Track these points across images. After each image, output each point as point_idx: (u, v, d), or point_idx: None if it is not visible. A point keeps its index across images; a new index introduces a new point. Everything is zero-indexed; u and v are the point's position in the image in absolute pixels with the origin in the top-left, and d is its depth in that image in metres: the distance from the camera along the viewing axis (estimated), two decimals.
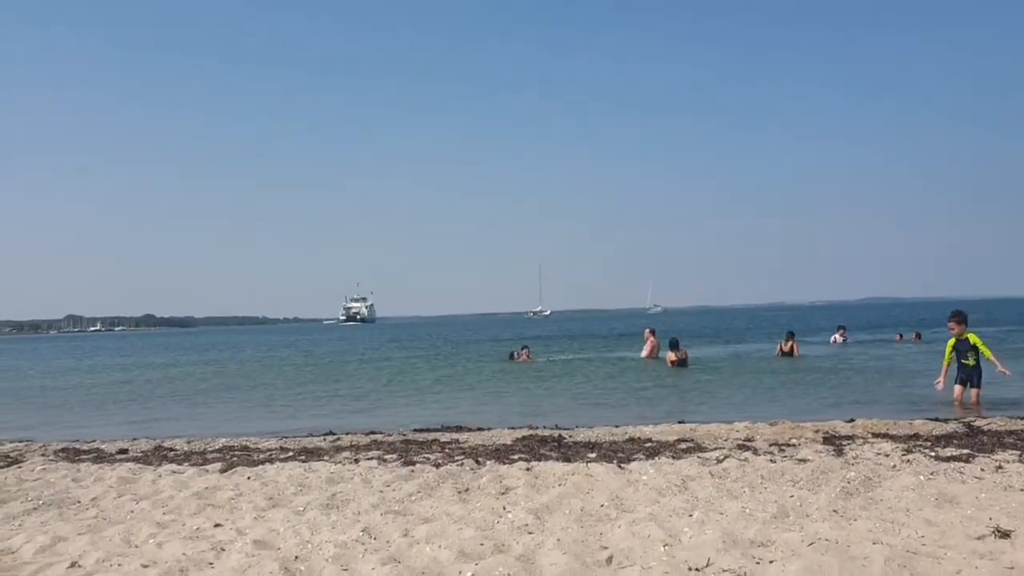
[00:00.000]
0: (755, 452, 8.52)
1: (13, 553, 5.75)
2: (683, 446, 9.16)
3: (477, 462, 8.45)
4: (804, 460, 7.90)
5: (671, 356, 25.00)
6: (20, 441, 12.50)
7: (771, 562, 4.73)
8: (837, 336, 34.84)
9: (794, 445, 8.93)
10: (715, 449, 8.79)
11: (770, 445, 8.98)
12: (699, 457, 8.29)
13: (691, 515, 5.91)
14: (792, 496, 6.42)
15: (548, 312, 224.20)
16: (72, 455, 10.44)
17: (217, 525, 6.32)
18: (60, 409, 20.44)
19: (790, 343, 27.76)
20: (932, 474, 7.02)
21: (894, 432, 9.67)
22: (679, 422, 11.63)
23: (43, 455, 10.58)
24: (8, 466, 9.61)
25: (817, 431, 9.87)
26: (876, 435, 9.44)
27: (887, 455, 8.02)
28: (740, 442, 9.30)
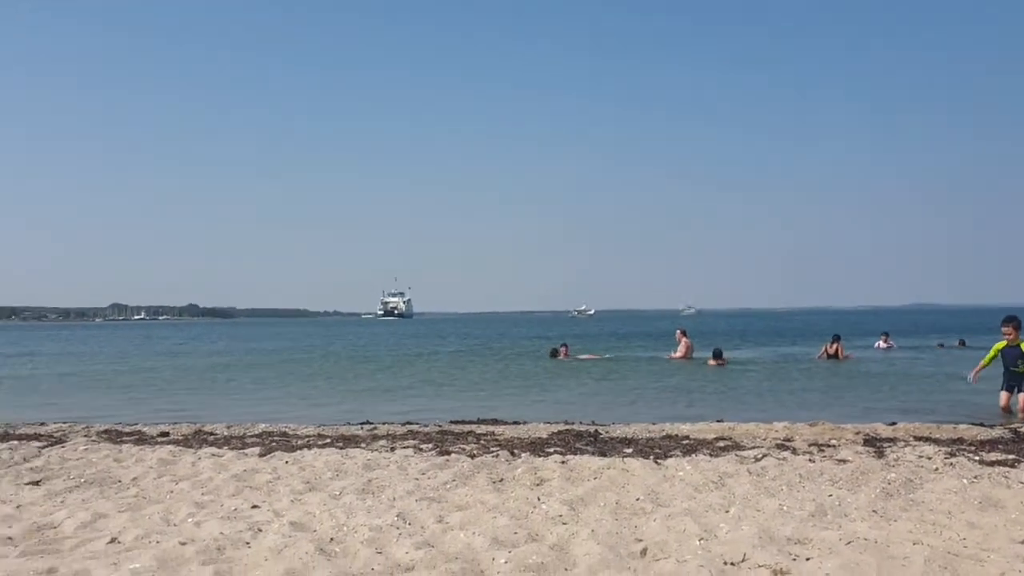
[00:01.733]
0: (794, 452, 8.42)
1: (55, 528, 5.86)
2: (721, 444, 9.08)
3: (512, 454, 8.45)
4: (844, 461, 7.79)
5: (712, 361, 25.00)
6: (64, 422, 12.74)
7: (808, 559, 4.67)
8: (880, 342, 34.31)
9: (834, 446, 8.82)
10: (753, 448, 8.71)
11: (809, 445, 8.88)
12: (737, 455, 8.21)
13: (727, 511, 5.86)
14: (831, 495, 6.33)
15: (592, 311, 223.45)
16: (114, 436, 10.63)
17: (254, 506, 6.39)
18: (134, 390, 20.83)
19: (835, 346, 27.42)
20: (975, 478, 6.88)
21: (937, 436, 9.50)
22: (717, 421, 11.53)
23: (86, 436, 10.78)
24: (52, 445, 9.80)
25: (857, 433, 9.73)
26: (918, 438, 9.28)
27: (929, 458, 7.88)
28: (779, 442, 9.20)
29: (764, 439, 9.54)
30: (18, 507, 6.56)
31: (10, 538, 5.52)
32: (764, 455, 8.16)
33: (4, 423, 12.60)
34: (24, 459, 8.85)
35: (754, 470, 7.39)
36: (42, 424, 12.48)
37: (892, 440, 9.13)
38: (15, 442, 10.10)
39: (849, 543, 4.94)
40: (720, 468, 7.48)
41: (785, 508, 5.94)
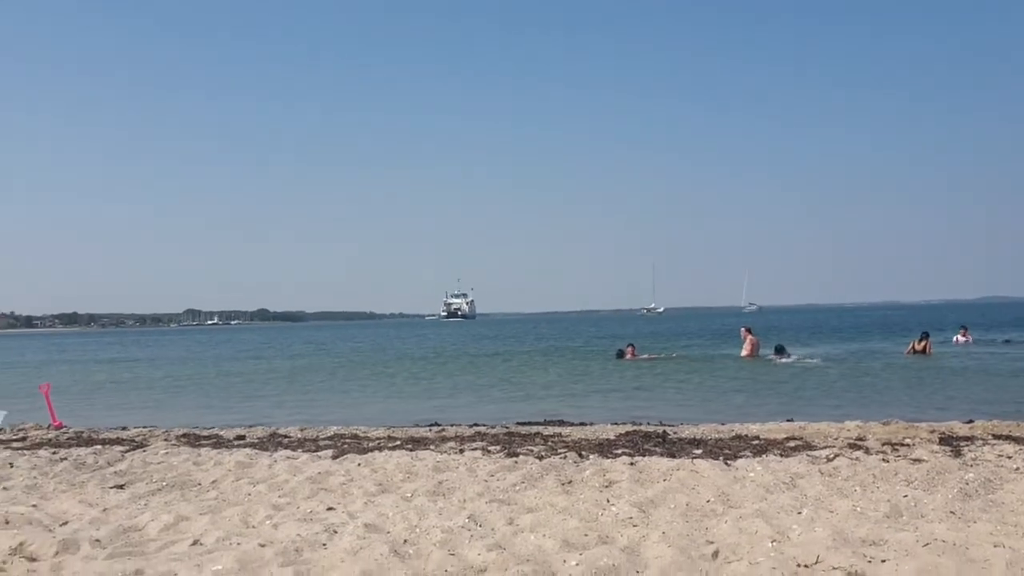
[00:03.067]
0: (867, 451, 8.28)
1: (140, 530, 6.07)
2: (791, 444, 8.98)
3: (580, 455, 8.47)
4: (919, 460, 7.64)
5: (774, 358, 24.80)
6: (144, 427, 13.16)
7: (884, 561, 4.61)
8: (959, 336, 33.41)
9: (908, 445, 8.65)
10: (825, 448, 8.59)
11: (883, 444, 8.72)
12: (808, 455, 8.11)
13: (800, 512, 5.81)
14: (906, 496, 6.22)
15: (662, 309, 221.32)
16: (193, 440, 10.94)
17: (330, 508, 6.53)
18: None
19: (924, 343, 26.89)
20: None
21: (1017, 434, 9.25)
22: (787, 420, 11.41)
23: (166, 440, 11.12)
24: (134, 449, 10.13)
25: (932, 431, 9.53)
26: (998, 437, 9.05)
27: (1010, 457, 7.68)
28: (851, 441, 9.05)
29: (836, 439, 9.40)
30: (104, 510, 6.81)
31: (98, 540, 5.73)
32: (836, 455, 8.04)
33: (87, 427, 13.07)
34: (108, 463, 9.17)
35: (826, 470, 7.30)
36: (123, 428, 12.91)
37: (970, 439, 8.91)
38: (99, 446, 10.47)
39: (926, 545, 4.86)
40: (791, 469, 7.40)
41: (859, 509, 5.86)
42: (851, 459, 7.76)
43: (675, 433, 10.22)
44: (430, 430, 11.48)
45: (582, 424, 11.81)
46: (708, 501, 6.33)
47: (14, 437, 12.17)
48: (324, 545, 5.35)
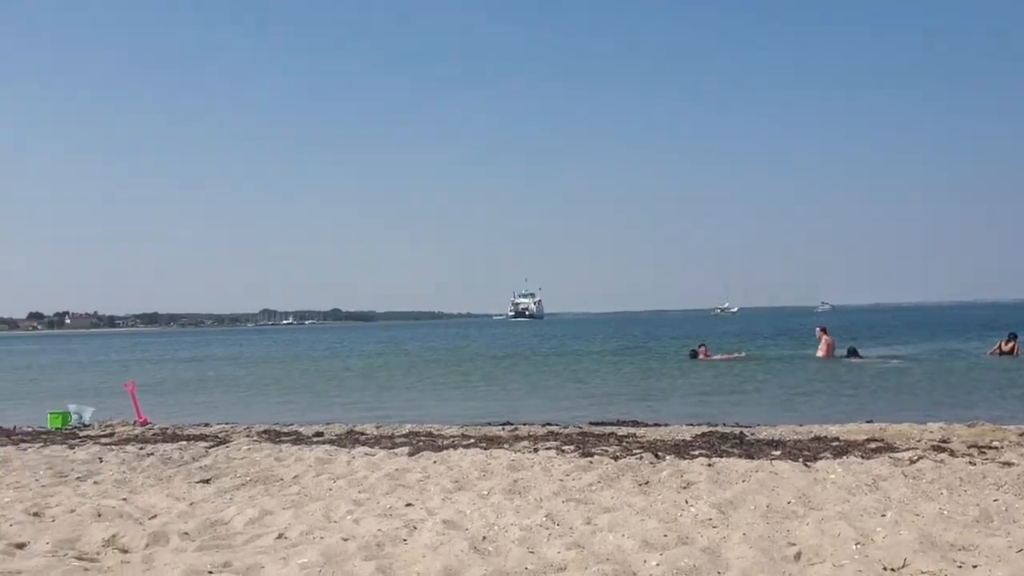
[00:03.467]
0: (952, 454, 8.07)
1: (226, 524, 6.25)
2: (872, 446, 8.79)
3: (656, 456, 8.42)
4: (1008, 464, 7.41)
5: (848, 359, 24.47)
6: (226, 423, 13.50)
7: (974, 567, 4.49)
8: None
9: (996, 448, 8.39)
10: (907, 450, 8.39)
11: (968, 447, 8.48)
12: (890, 457, 7.93)
13: (884, 515, 5.69)
14: (996, 500, 6.03)
15: (736, 309, 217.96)
16: (273, 436, 11.20)
17: (408, 505, 6.63)
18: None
19: (1012, 344, 26.00)
20: None
21: None
22: (867, 421, 11.16)
23: (247, 436, 11.40)
24: (217, 445, 10.41)
25: (1022, 434, 9.22)
26: None
27: None
28: (934, 443, 8.83)
29: (918, 440, 9.18)
30: (191, 504, 7.02)
31: (186, 533, 5.91)
32: (919, 457, 7.84)
33: (172, 424, 13.48)
34: (193, 458, 9.44)
35: (910, 473, 7.13)
36: (206, 425, 13.27)
37: None
38: (183, 442, 10.78)
39: (1020, 551, 4.71)
40: (873, 470, 7.25)
41: (946, 513, 5.72)
42: (935, 461, 7.57)
43: (752, 434, 10.10)
44: (503, 429, 11.55)
45: (656, 425, 11.73)
46: (788, 503, 6.24)
47: (102, 433, 12.61)
48: (404, 540, 5.43)
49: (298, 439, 10.86)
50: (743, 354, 30.30)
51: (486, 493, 7.01)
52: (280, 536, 5.74)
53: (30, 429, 13.40)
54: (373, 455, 9.05)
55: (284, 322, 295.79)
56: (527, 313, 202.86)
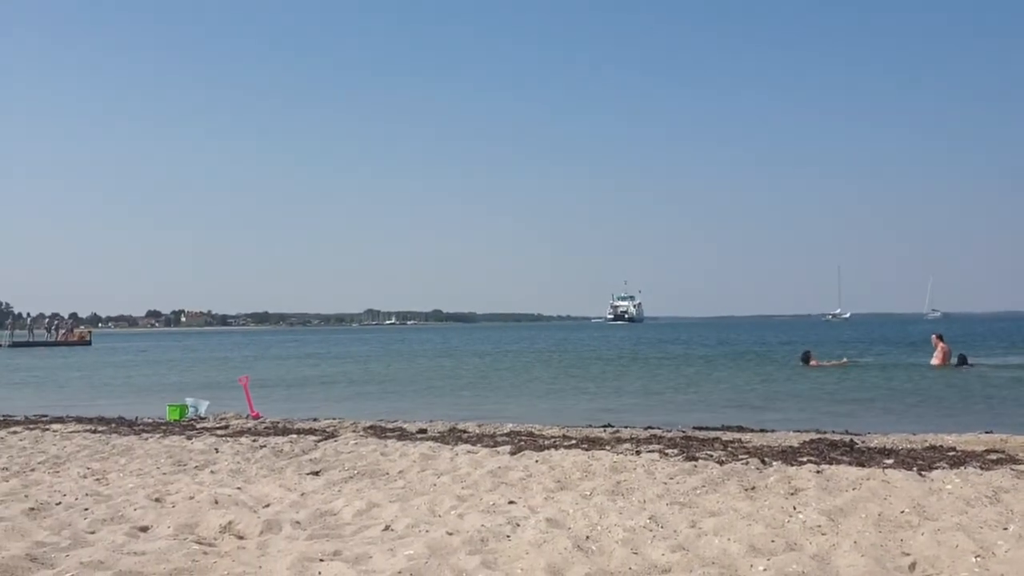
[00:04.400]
0: None
1: (335, 515, 6.42)
2: (992, 457, 8.42)
3: (763, 462, 8.26)
4: None
5: (957, 366, 23.76)
6: (334, 418, 13.87)
7: None
8: None
9: None
10: None
11: None
12: (1012, 469, 7.58)
13: (1006, 528, 5.43)
14: None
15: (848, 315, 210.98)
16: (379, 432, 11.44)
17: (511, 502, 6.68)
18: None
19: None
20: None
21: None
22: (986, 432, 10.69)
23: (354, 431, 11.68)
24: (325, 439, 10.70)
25: None
26: None
27: None
28: None
29: None
30: (302, 494, 7.24)
31: (298, 522, 6.11)
32: None
33: (283, 418, 13.92)
34: (303, 451, 9.74)
35: None
36: (315, 420, 13.65)
37: None
38: (294, 436, 11.13)
39: None
40: (993, 482, 6.93)
41: None
42: None
43: (863, 442, 9.80)
44: (604, 431, 11.51)
45: (763, 431, 11.50)
46: (902, 512, 6.03)
47: (217, 425, 13.13)
48: (508, 537, 5.47)
49: (403, 435, 11.07)
50: (845, 360, 29.44)
51: (588, 493, 7.01)
52: (387, 528, 5.87)
53: (151, 420, 14.06)
54: (476, 453, 9.15)
55: (387, 322, 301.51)
56: (626, 316, 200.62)
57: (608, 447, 9.58)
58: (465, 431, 11.48)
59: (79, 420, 13.87)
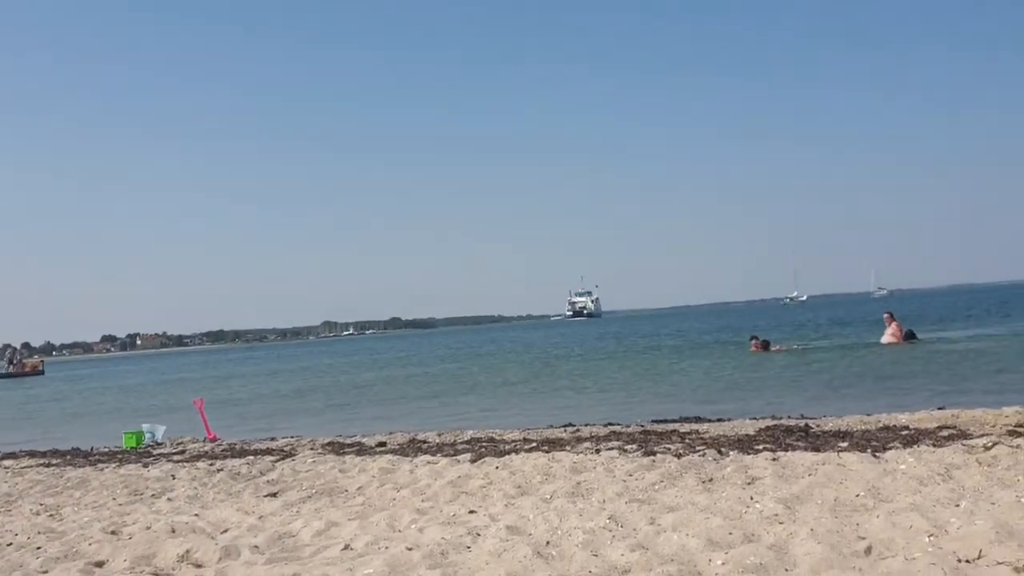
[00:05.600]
0: None
1: (294, 536, 6.34)
2: (944, 433, 8.57)
3: (720, 452, 8.33)
4: None
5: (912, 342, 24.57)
6: (292, 436, 13.72)
7: None
8: None
9: None
10: (981, 436, 8.16)
11: None
12: (963, 444, 7.72)
13: (958, 505, 5.53)
14: None
15: (804, 298, 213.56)
16: (337, 448, 11.33)
17: (471, 512, 6.65)
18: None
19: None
20: None
21: None
22: (938, 408, 10.89)
23: (312, 448, 11.56)
24: (283, 459, 10.57)
25: None
26: None
27: None
28: (1010, 428, 8.58)
29: (993, 426, 8.93)
30: (260, 517, 7.14)
31: (256, 546, 6.02)
32: (995, 443, 7.60)
33: (239, 439, 13.74)
34: (260, 472, 9.62)
35: (984, 460, 6.92)
36: (272, 439, 13.50)
37: None
38: (251, 457, 10.98)
39: None
40: (945, 459, 7.06)
41: (1023, 500, 5.54)
42: (1011, 447, 7.33)
43: (818, 426, 9.93)
44: (565, 431, 11.53)
45: (719, 420, 11.61)
46: (857, 495, 6.11)
47: (174, 450, 12.93)
48: (468, 548, 5.45)
49: (361, 450, 10.98)
50: (796, 346, 29.92)
51: (549, 497, 7.00)
52: (346, 547, 5.81)
53: (106, 449, 13.80)
54: (435, 463, 9.10)
55: (345, 333, 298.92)
56: (585, 312, 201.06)
57: (568, 447, 9.59)
58: (425, 441, 11.41)
59: (32, 454, 13.57)
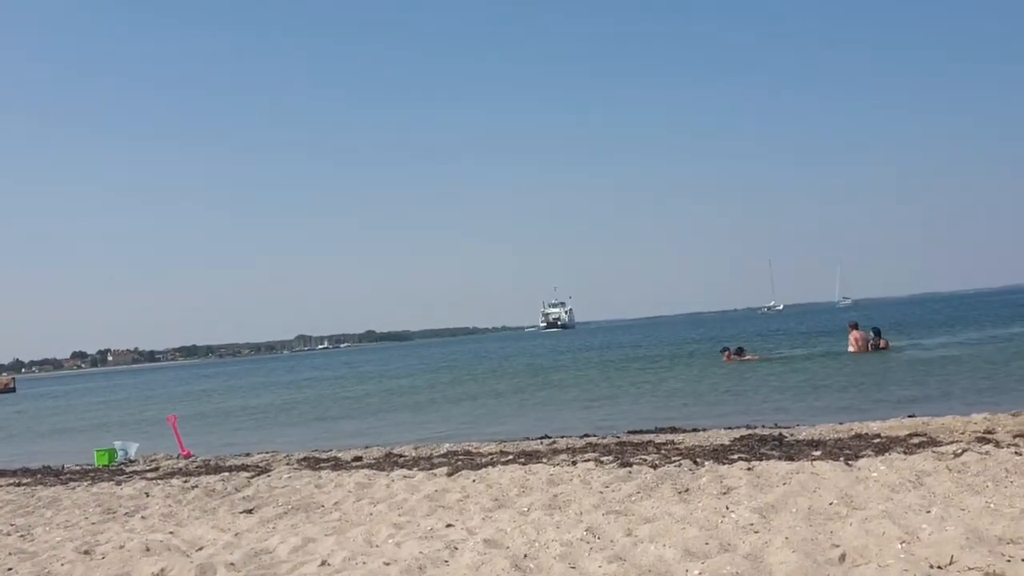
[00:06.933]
0: (997, 445, 7.94)
1: (271, 553, 6.30)
2: (915, 441, 8.69)
3: (695, 463, 8.38)
4: None
5: (874, 340, 25.80)
6: (267, 452, 13.63)
7: None
8: None
9: None
10: (951, 443, 8.27)
11: (1014, 437, 8.35)
12: (934, 452, 7.83)
13: (929, 511, 5.61)
14: None
15: (781, 307, 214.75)
16: (313, 463, 11.28)
17: (449, 525, 6.65)
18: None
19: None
20: None
21: None
22: (908, 416, 11.02)
23: (287, 464, 11.50)
24: (258, 475, 10.51)
25: None
26: None
27: None
28: (979, 435, 8.70)
29: (962, 433, 9.05)
30: (236, 535, 7.10)
31: (232, 563, 5.98)
32: (964, 450, 7.72)
33: (214, 455, 13.63)
34: (236, 489, 9.55)
35: (954, 466, 7.02)
36: (247, 455, 13.40)
37: None
38: (226, 473, 10.90)
39: None
40: (916, 466, 7.16)
41: (993, 506, 5.62)
42: (980, 454, 7.45)
43: (792, 435, 10.02)
44: (541, 443, 11.55)
45: (695, 430, 11.67)
46: (831, 504, 6.18)
47: (148, 468, 12.80)
48: (446, 562, 5.45)
49: (337, 464, 10.93)
50: (770, 356, 30.23)
51: (526, 510, 7.02)
52: (323, 563, 5.78)
53: (78, 468, 13.63)
54: (412, 477, 9.09)
55: (320, 347, 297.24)
56: (559, 323, 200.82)
57: (545, 459, 9.60)
58: (401, 455, 11.38)
59: (1, 474, 13.37)
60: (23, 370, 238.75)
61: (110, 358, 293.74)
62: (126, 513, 8.69)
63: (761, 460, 8.20)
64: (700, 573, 4.74)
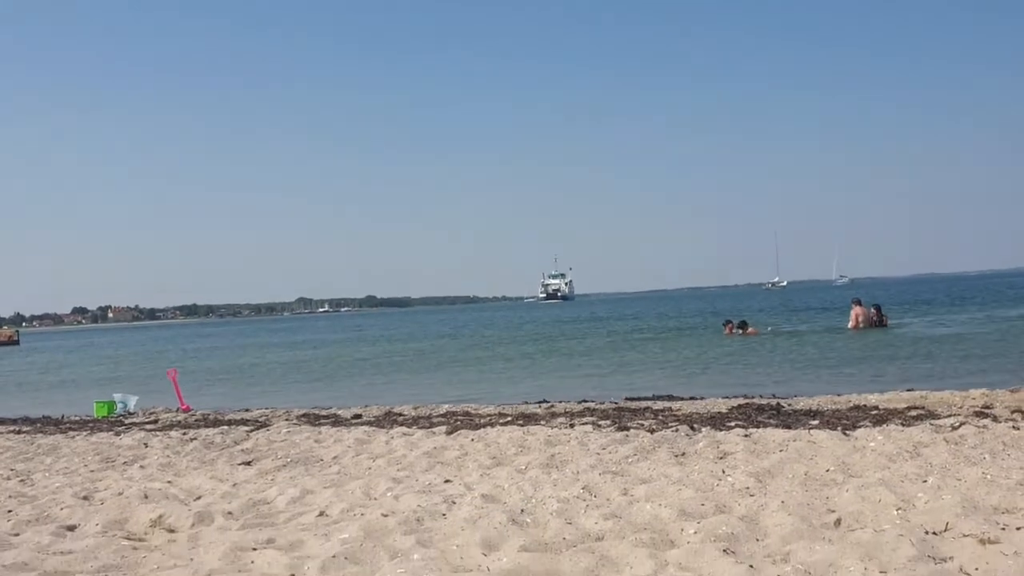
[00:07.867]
0: (995, 419, 7.97)
1: (269, 503, 6.34)
2: (913, 413, 8.71)
3: (692, 428, 8.41)
4: None
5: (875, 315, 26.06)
6: (267, 408, 13.68)
7: (1019, 529, 4.43)
8: None
9: None
10: (949, 416, 8.30)
11: (1012, 412, 8.37)
12: (931, 424, 7.85)
13: (925, 481, 5.63)
14: None
15: (785, 283, 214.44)
16: (312, 419, 11.33)
17: (447, 481, 6.68)
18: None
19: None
20: None
21: None
22: (907, 390, 11.05)
23: (287, 419, 11.55)
24: (258, 429, 10.56)
25: None
26: None
27: None
28: (977, 409, 8.73)
29: (960, 407, 9.07)
30: (234, 485, 7.13)
31: (230, 512, 6.01)
32: (961, 423, 7.75)
33: (213, 409, 13.69)
34: (235, 442, 9.60)
35: (951, 439, 7.04)
36: (247, 410, 13.46)
37: None
38: (225, 427, 10.96)
39: None
40: (914, 437, 7.18)
41: (989, 477, 5.64)
42: (978, 427, 7.48)
43: (789, 405, 10.04)
44: (539, 407, 11.59)
45: (692, 399, 11.71)
46: (827, 471, 6.20)
47: (147, 420, 12.86)
48: (444, 515, 5.48)
49: (337, 421, 10.98)
50: (770, 329, 30.21)
51: (523, 468, 7.05)
52: (321, 514, 5.81)
53: (77, 418, 13.70)
54: (411, 435, 9.13)
55: (320, 310, 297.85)
56: (558, 294, 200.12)
57: (543, 422, 9.65)
58: (400, 414, 11.43)
59: (1, 422, 13.45)
60: (24, 324, 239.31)
61: (111, 315, 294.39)
62: (125, 462, 8.73)
63: (758, 428, 8.23)
64: (695, 532, 4.76)
